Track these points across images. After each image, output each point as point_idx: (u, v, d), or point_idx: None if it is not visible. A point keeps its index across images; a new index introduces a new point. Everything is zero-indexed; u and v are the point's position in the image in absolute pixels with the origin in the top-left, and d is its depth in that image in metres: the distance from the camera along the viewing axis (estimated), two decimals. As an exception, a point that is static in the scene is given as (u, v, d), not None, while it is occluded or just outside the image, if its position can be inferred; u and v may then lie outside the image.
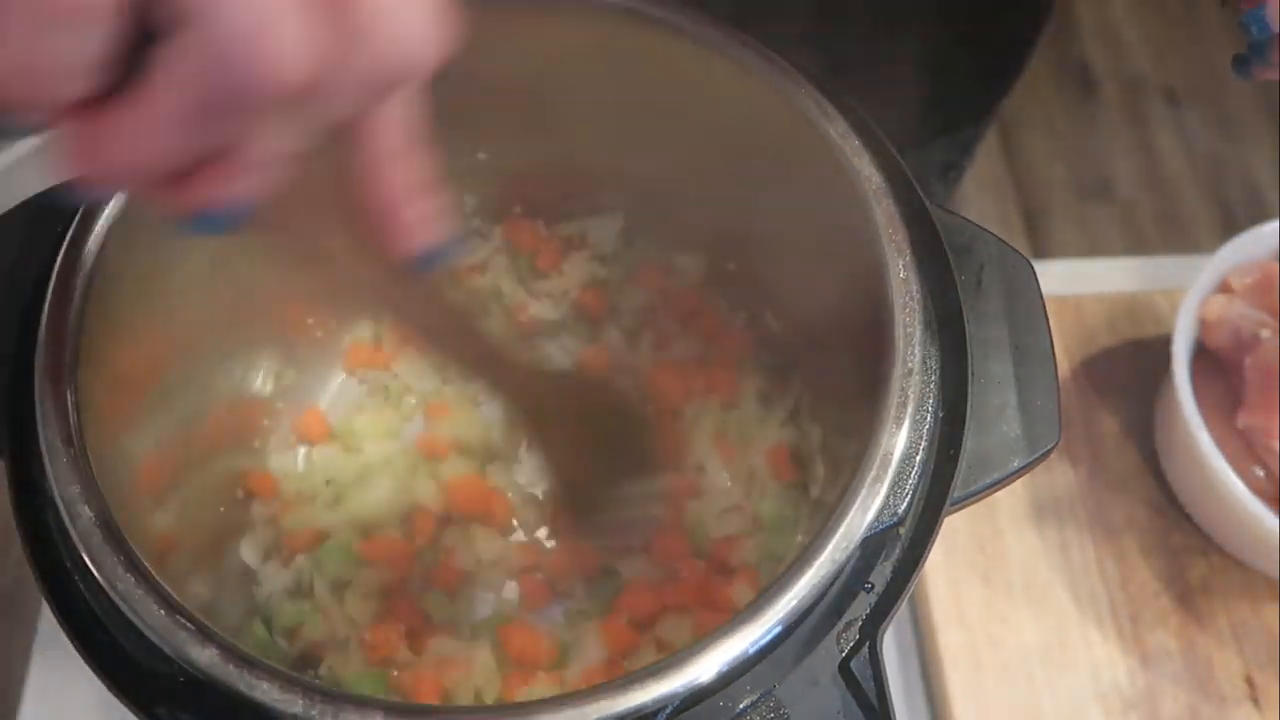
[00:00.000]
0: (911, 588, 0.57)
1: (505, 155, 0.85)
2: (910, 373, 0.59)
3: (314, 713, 0.49)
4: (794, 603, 0.53)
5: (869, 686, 0.53)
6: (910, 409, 0.58)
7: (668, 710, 0.51)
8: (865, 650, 0.54)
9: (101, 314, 0.62)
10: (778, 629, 0.53)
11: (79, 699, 0.85)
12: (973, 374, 0.61)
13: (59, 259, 0.62)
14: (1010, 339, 0.64)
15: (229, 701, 0.51)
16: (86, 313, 0.61)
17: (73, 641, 0.55)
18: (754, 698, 0.54)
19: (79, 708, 0.85)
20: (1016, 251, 0.67)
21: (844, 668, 0.54)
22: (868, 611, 0.56)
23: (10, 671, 0.87)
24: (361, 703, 0.50)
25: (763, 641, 0.52)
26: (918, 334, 0.60)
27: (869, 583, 0.57)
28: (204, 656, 0.52)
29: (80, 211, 0.63)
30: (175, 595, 0.54)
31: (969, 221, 0.67)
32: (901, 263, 0.62)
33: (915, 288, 0.62)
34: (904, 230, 0.63)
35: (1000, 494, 0.64)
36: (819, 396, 0.84)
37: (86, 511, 0.55)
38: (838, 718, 0.53)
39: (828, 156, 0.66)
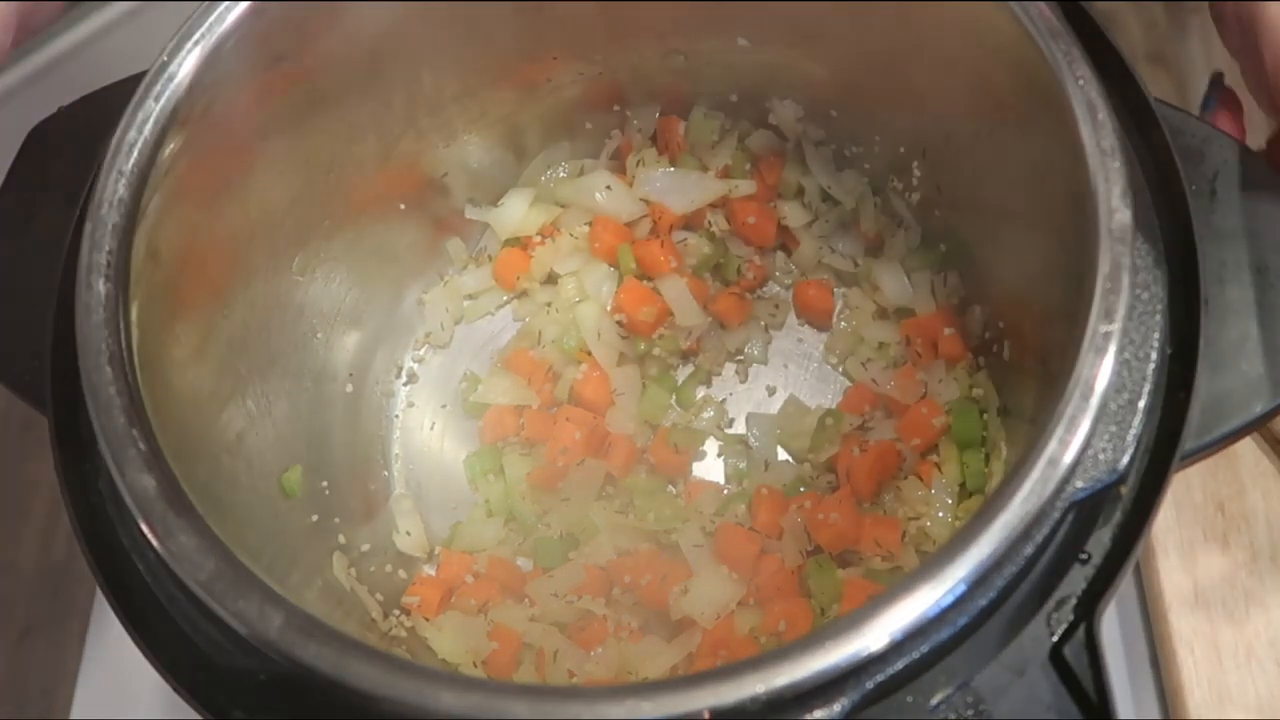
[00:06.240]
0: (1135, 557, 0.53)
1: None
2: (1115, 291, 0.52)
3: (414, 696, 0.46)
4: (982, 555, 0.48)
5: (1085, 676, 0.49)
6: (1116, 334, 0.52)
7: (846, 707, 0.47)
8: (1080, 633, 0.50)
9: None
10: (961, 588, 0.48)
11: (137, 685, 0.83)
12: (1206, 301, 0.56)
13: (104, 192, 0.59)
14: (1251, 259, 0.59)
15: (326, 697, 0.47)
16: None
17: (132, 636, 0.52)
18: (948, 691, 0.49)
19: (136, 696, 0.83)
20: (1258, 155, 0.62)
21: (1055, 654, 0.50)
22: (1083, 587, 0.52)
23: (63, 659, 0.86)
24: (459, 683, 0.47)
25: (944, 603, 0.47)
26: (1128, 252, 0.53)
27: (1084, 552, 0.53)
28: (308, 649, 0.47)
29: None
30: (263, 576, 0.50)
31: (1201, 119, 0.62)
32: (1112, 165, 0.55)
33: (1129, 199, 0.54)
34: (1116, 128, 0.56)
35: (1242, 444, 0.62)
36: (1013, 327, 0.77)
37: (147, 479, 0.50)
38: (1047, 714, 0.49)
39: (1024, 40, 0.60)
